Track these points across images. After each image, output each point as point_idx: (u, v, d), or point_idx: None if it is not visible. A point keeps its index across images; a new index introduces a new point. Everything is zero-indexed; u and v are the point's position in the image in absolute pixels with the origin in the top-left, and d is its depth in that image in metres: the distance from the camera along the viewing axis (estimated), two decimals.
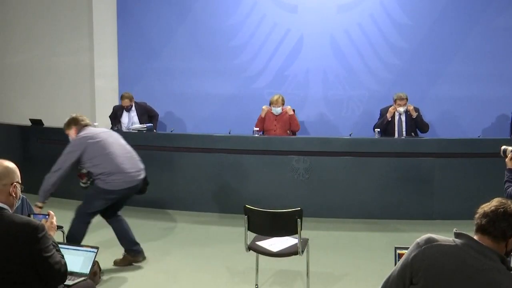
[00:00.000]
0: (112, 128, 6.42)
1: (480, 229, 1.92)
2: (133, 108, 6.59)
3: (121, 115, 6.60)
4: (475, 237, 1.92)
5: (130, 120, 6.59)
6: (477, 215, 1.94)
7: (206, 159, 5.64)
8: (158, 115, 6.77)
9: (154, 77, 7.40)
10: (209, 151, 5.63)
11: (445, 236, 1.98)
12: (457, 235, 1.95)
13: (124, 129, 6.40)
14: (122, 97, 6.60)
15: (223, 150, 5.59)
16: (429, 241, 1.94)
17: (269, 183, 5.49)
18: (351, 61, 6.90)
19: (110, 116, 6.71)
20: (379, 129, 5.79)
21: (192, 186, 5.67)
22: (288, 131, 6.14)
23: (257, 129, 5.90)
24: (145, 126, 6.29)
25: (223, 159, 5.59)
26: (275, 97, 6.14)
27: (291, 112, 6.18)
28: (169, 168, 5.73)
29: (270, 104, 6.20)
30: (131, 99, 6.55)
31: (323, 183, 5.44)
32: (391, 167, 5.39)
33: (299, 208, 3.35)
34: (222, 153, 5.59)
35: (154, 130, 6.38)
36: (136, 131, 6.19)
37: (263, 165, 5.53)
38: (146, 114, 6.62)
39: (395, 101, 5.99)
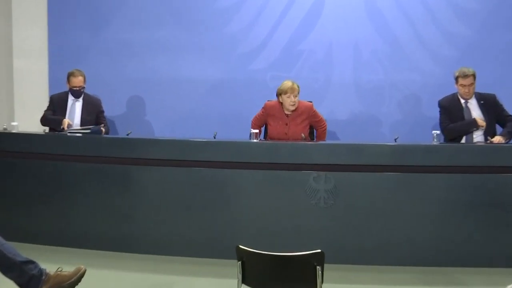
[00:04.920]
0: (55, 130, 6.50)
1: None
2: (81, 97, 6.65)
3: (65, 107, 6.63)
4: None
5: (72, 114, 6.62)
6: None
7: (180, 177, 5.64)
8: (109, 131, 6.79)
9: (101, 55, 7.49)
10: (185, 165, 5.63)
11: None
12: None
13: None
14: (72, 75, 6.63)
15: (205, 163, 5.60)
16: None
17: (275, 211, 5.49)
18: (396, 30, 7.00)
19: (46, 115, 6.66)
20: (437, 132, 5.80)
21: (159, 218, 5.66)
22: (303, 135, 6.07)
23: (256, 131, 5.88)
24: (90, 127, 6.32)
25: (205, 175, 5.59)
26: (289, 84, 6.05)
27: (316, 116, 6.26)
28: (124, 190, 5.73)
29: (278, 96, 6.14)
30: (84, 78, 6.64)
31: (354, 213, 5.43)
32: (456, 188, 5.38)
33: (319, 251, 3.32)
34: (204, 167, 5.59)
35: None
36: (77, 134, 6.18)
37: (266, 185, 5.52)
38: (95, 114, 6.60)
39: (456, 78, 6.09)
